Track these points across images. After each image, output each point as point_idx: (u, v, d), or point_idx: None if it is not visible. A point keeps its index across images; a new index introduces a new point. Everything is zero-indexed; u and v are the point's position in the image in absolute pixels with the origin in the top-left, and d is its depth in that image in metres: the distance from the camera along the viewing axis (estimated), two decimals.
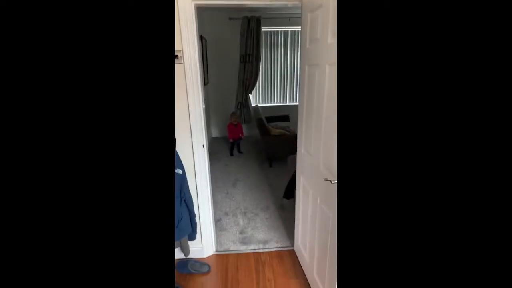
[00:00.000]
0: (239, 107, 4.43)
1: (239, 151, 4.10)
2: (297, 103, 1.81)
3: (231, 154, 3.99)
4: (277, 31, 4.53)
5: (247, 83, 4.33)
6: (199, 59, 1.57)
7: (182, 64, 1.52)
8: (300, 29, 1.59)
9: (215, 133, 4.83)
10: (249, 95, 4.50)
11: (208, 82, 4.36)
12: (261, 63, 4.38)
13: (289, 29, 4.51)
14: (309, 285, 1.65)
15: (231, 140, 4.00)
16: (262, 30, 4.21)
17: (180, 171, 1.54)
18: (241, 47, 4.18)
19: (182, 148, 1.67)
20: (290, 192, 2.34)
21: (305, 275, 1.72)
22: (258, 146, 4.35)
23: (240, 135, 4.03)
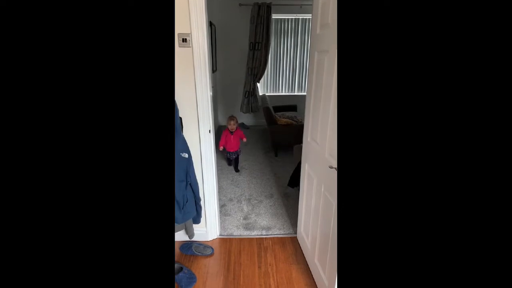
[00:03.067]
0: (246, 95, 4.41)
1: (236, 168, 3.10)
2: (305, 93, 1.80)
3: (230, 164, 3.21)
4: (288, 19, 4.44)
5: (256, 72, 4.29)
6: (207, 44, 1.56)
7: (190, 48, 1.52)
8: (311, 17, 1.55)
9: (222, 121, 4.84)
10: (257, 83, 4.46)
11: (216, 70, 4.34)
12: (270, 51, 4.32)
13: (299, 17, 4.40)
14: (310, 271, 1.68)
15: (220, 148, 3.00)
16: (272, 17, 4.13)
17: (186, 155, 1.57)
18: (250, 34, 4.11)
19: (189, 133, 1.69)
20: (294, 180, 2.35)
21: (306, 262, 1.75)
22: (264, 135, 4.34)
23: (239, 148, 3.06)
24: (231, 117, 3.00)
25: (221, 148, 2.99)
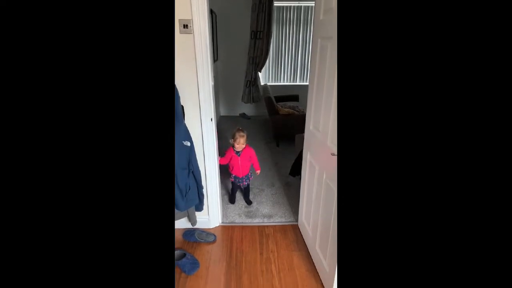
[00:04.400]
0: (247, 85, 4.37)
1: (247, 198, 2.27)
2: (307, 83, 1.77)
3: (232, 201, 2.27)
4: (290, 7, 4.35)
5: (257, 61, 4.24)
6: (209, 30, 1.53)
7: (191, 35, 1.50)
8: (313, 4, 1.52)
9: (223, 112, 4.83)
10: (259, 73, 4.42)
11: (217, 59, 4.29)
12: (271, 40, 4.25)
13: (302, 4, 4.31)
14: (310, 257, 1.71)
15: (231, 179, 2.21)
16: (274, 5, 4.04)
17: (188, 143, 1.57)
18: (251, 23, 4.04)
19: (190, 122, 1.68)
20: (296, 169, 2.36)
21: (307, 248, 1.78)
22: (265, 125, 4.33)
23: (249, 171, 2.18)
24: (240, 133, 2.03)
25: (232, 178, 2.20)
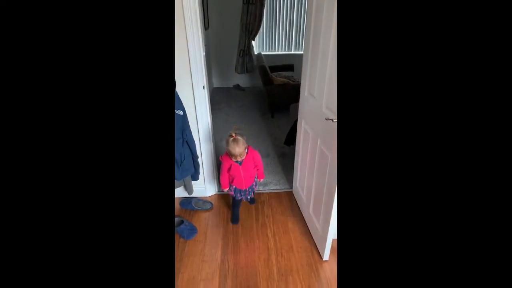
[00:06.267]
0: (241, 55, 4.22)
1: (250, 199, 1.87)
2: (302, 52, 1.70)
3: (234, 221, 1.78)
4: None
5: (250, 28, 4.05)
6: None
7: None
8: None
9: (216, 83, 4.70)
10: (252, 41, 4.24)
11: (208, 27, 4.08)
12: (265, 5, 4.02)
13: None
14: (304, 221, 1.78)
15: (231, 193, 1.70)
16: None
17: (181, 112, 1.54)
18: None
19: (182, 91, 1.63)
20: (291, 139, 2.37)
21: (301, 213, 1.84)
22: (260, 97, 4.26)
23: (256, 179, 1.71)
24: (233, 144, 1.47)
25: (226, 189, 1.68)
